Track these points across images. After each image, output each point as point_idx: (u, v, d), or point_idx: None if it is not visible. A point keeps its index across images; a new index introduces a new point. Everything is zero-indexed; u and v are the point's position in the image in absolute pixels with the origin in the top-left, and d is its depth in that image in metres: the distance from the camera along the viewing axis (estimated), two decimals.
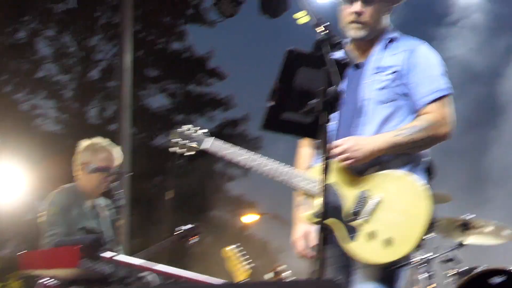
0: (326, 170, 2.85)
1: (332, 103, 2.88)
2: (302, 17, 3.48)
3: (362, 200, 3.62)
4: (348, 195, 3.65)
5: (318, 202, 3.44)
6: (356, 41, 3.86)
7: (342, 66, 3.01)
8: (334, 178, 3.65)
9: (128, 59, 10.27)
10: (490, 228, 6.18)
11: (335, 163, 3.63)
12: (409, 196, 3.59)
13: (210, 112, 21.30)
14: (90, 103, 20.13)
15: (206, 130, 4.03)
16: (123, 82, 10.20)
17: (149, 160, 17.62)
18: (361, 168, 3.66)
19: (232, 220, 21.73)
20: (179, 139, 4.05)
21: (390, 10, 3.91)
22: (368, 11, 3.81)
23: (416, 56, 3.81)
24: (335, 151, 3.61)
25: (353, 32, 3.81)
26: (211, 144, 3.94)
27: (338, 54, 3.18)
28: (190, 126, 4.07)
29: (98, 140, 5.47)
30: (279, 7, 9.06)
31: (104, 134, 5.98)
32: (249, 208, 20.19)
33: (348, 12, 3.82)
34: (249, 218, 19.43)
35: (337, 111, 2.95)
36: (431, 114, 3.72)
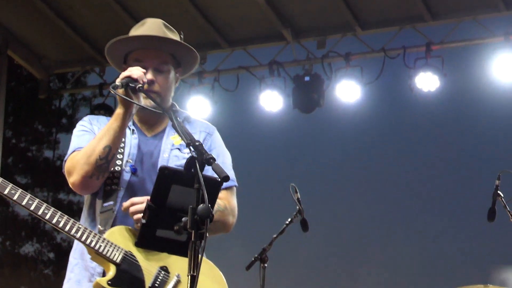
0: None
1: (202, 221, 2.88)
2: (176, 139, 3.55)
3: (162, 278, 3.45)
4: (146, 268, 3.45)
5: (115, 269, 3.38)
6: (143, 111, 3.68)
7: (213, 184, 3.06)
8: (131, 246, 3.45)
9: None
10: None
11: (128, 229, 3.48)
12: (209, 280, 3.53)
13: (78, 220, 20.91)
14: None
15: None
16: None
17: (14, 269, 17.11)
18: None
19: None
20: None
21: (177, 82, 3.83)
22: (160, 80, 3.69)
23: (213, 140, 3.81)
24: (133, 209, 3.44)
25: (146, 101, 3.58)
26: None
27: (209, 172, 3.19)
28: None
29: None
30: (312, 104, 9.46)
31: None
32: None
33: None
34: None
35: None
36: (223, 201, 3.68)
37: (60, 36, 10.01)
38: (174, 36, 3.78)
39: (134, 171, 3.64)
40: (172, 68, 3.75)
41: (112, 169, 3.60)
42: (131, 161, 3.66)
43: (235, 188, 3.80)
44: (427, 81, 9.05)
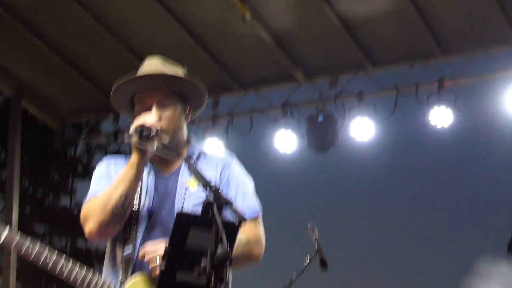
0: None
1: (221, 264, 2.88)
2: (192, 184, 3.55)
3: None
4: None
5: None
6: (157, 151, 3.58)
7: (230, 227, 3.05)
8: None
9: (14, 215, 10.11)
10: None
11: (148, 278, 3.43)
12: None
13: (98, 268, 20.91)
14: None
15: None
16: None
17: None
18: None
19: None
20: None
21: (187, 118, 3.77)
22: (166, 117, 3.63)
23: (230, 172, 3.72)
24: (149, 257, 3.41)
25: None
26: (6, 235, 3.34)
27: (227, 215, 3.19)
28: None
29: None
30: (326, 144, 9.52)
31: None
32: None
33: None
34: None
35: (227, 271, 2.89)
36: (246, 233, 3.59)
37: (74, 85, 10.08)
38: (176, 71, 3.75)
39: (151, 214, 3.62)
40: (177, 102, 3.70)
41: (129, 214, 3.59)
42: (148, 204, 3.64)
43: (259, 217, 3.72)
44: (440, 117, 9.05)
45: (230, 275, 3.55)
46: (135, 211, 3.61)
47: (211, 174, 3.66)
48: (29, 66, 9.89)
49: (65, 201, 20.55)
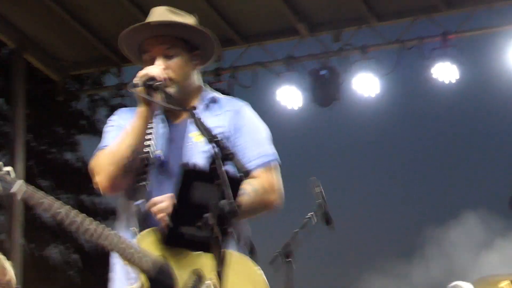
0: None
1: (225, 216, 2.88)
2: (196, 136, 3.53)
3: (194, 284, 3.36)
4: (178, 273, 3.35)
5: (145, 278, 3.32)
6: (167, 100, 3.50)
7: (234, 181, 3.05)
8: (160, 250, 3.36)
9: (20, 168, 10.14)
10: None
11: (158, 232, 3.38)
12: (248, 284, 3.46)
13: (102, 222, 21.01)
14: None
15: (10, 169, 3.20)
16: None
17: (38, 273, 17.20)
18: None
19: None
20: None
21: (196, 66, 3.69)
22: (172, 66, 3.58)
23: (241, 117, 3.64)
24: (155, 209, 3.37)
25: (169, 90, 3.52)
26: (20, 187, 3.20)
27: (231, 168, 3.14)
28: None
29: None
30: (329, 98, 9.53)
31: None
32: None
33: None
34: None
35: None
36: (259, 179, 3.52)
37: (76, 37, 10.05)
38: (183, 19, 3.69)
39: (162, 164, 3.57)
40: (182, 51, 3.63)
41: (140, 163, 3.53)
42: (159, 152, 3.58)
43: (274, 164, 3.61)
44: (444, 72, 9.03)
45: (244, 227, 3.59)
46: (146, 160, 3.56)
47: (222, 119, 3.62)
48: (32, 18, 9.85)
49: (68, 155, 20.60)
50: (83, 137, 20.57)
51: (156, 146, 3.59)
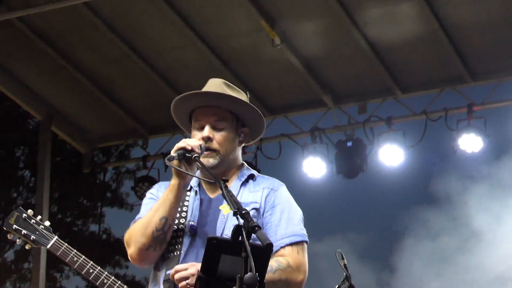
0: None
1: None
2: (225, 209, 3.51)
3: None
4: None
5: None
6: (207, 171, 3.52)
7: (260, 251, 3.02)
8: None
9: None
10: None
11: None
12: None
13: None
14: (2, 285, 19.60)
15: (48, 224, 3.83)
16: (38, 264, 10.02)
17: None
18: None
19: None
20: (18, 226, 3.85)
21: (241, 143, 3.74)
22: (218, 138, 3.62)
23: (277, 196, 3.66)
24: (177, 276, 3.36)
25: (204, 160, 3.56)
26: (53, 243, 3.77)
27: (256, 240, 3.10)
28: (31, 214, 3.85)
29: None
30: (356, 169, 9.54)
31: None
32: None
33: (198, 138, 3.61)
34: None
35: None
36: (287, 258, 3.53)
37: (103, 110, 10.14)
38: (237, 95, 3.74)
39: (194, 235, 3.57)
40: (231, 126, 3.68)
41: (173, 234, 3.56)
42: (193, 223, 3.59)
43: (303, 244, 3.62)
44: (470, 142, 8.99)
45: None
46: (179, 231, 3.58)
47: (257, 196, 3.64)
48: (59, 90, 9.97)
49: (93, 227, 20.64)
50: (108, 209, 20.63)
51: (190, 217, 3.60)
